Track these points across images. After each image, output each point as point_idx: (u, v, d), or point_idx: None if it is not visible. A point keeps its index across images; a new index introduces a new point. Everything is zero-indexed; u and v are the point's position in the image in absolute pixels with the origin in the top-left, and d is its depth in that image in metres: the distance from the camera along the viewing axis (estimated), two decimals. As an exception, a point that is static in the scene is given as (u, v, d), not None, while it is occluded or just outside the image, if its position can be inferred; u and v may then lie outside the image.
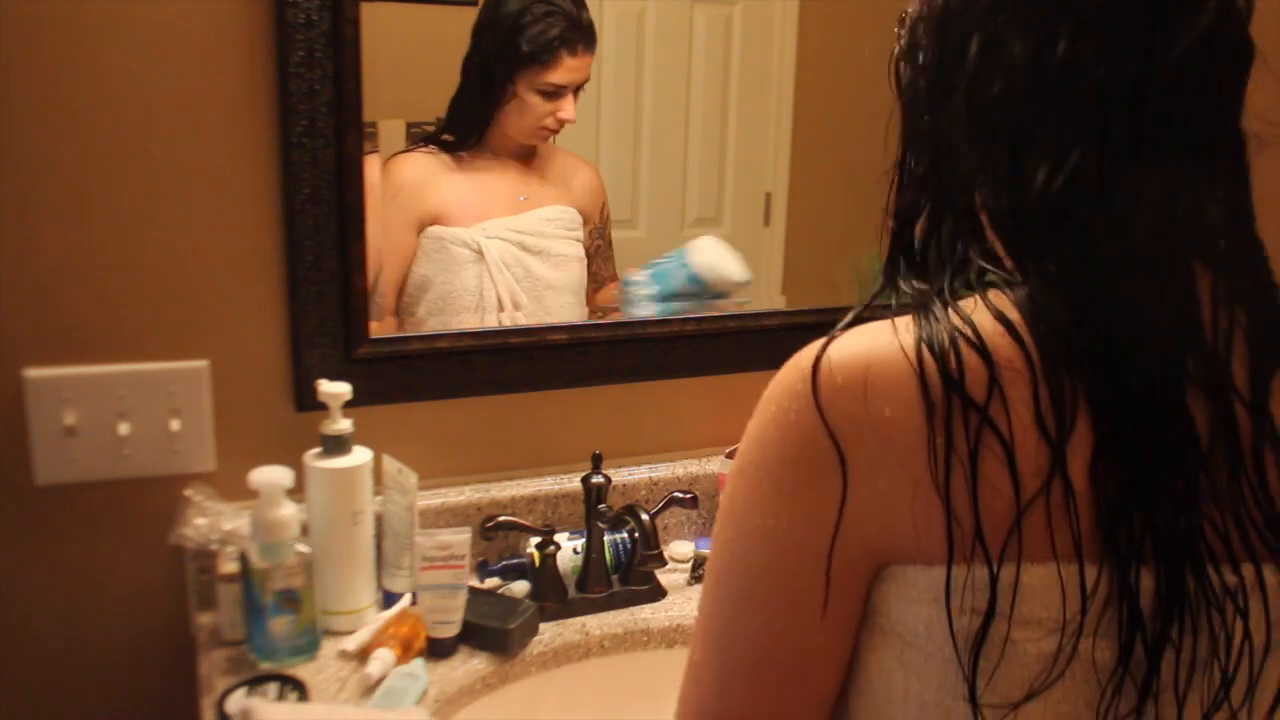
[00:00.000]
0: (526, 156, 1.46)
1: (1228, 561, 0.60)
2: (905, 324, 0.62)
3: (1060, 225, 0.61)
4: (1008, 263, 0.65)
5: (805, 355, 0.64)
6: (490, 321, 1.42)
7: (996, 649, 0.59)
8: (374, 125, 1.29)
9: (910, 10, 0.71)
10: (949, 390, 0.58)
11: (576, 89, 1.42)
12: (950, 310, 0.61)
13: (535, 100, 1.40)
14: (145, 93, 1.14)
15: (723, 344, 1.48)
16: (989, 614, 0.58)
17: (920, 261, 0.69)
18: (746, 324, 1.49)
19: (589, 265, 1.51)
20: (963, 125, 0.65)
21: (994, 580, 0.58)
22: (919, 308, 0.63)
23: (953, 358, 0.59)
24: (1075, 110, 0.61)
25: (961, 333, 0.60)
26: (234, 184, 1.19)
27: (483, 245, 1.42)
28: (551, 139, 1.46)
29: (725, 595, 0.66)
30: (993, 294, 0.63)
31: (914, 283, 0.68)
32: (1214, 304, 0.62)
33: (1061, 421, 0.58)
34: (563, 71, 1.39)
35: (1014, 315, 0.61)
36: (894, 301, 0.68)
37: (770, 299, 1.59)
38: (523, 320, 1.43)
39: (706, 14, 1.51)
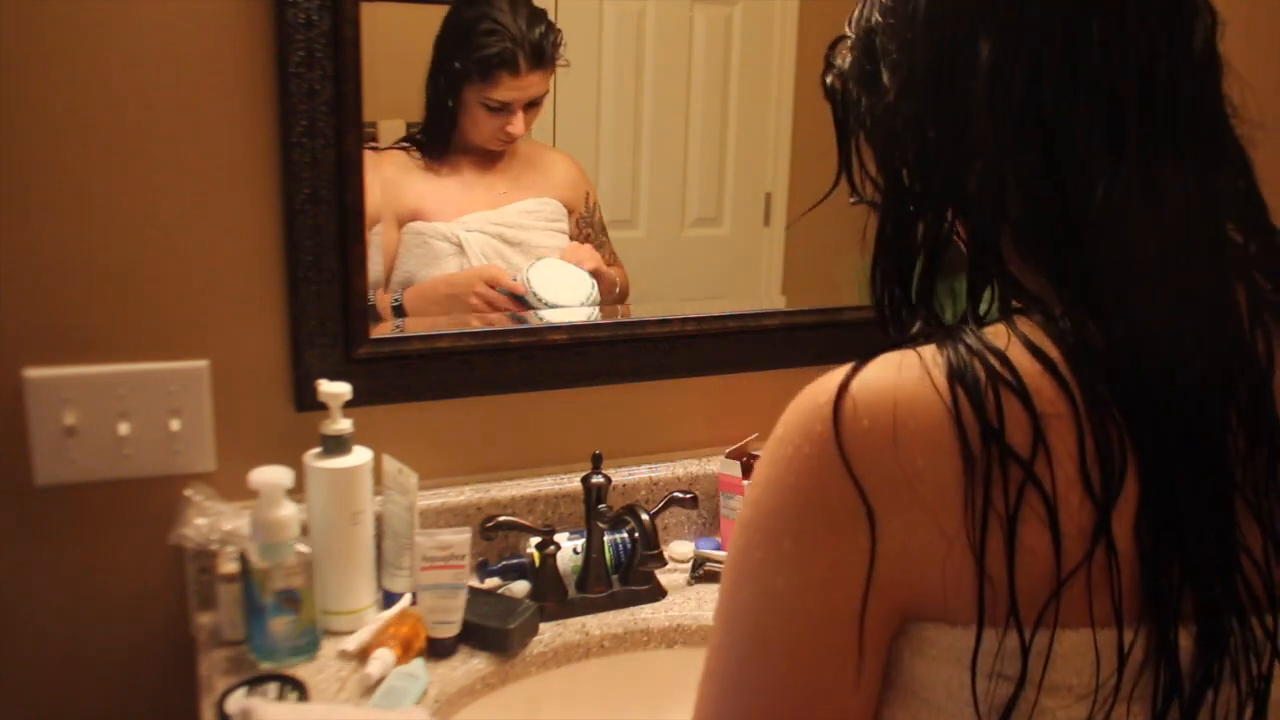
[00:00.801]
0: (502, 154, 1.46)
1: (1269, 610, 0.57)
2: (933, 356, 0.56)
3: (1108, 236, 0.56)
4: (1029, 284, 0.59)
5: (823, 390, 0.57)
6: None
7: (1023, 716, 0.55)
8: (374, 125, 1.29)
9: (854, 28, 0.65)
10: (988, 441, 0.53)
11: (530, 104, 1.41)
12: (982, 343, 0.55)
13: (482, 114, 1.40)
14: (145, 92, 1.14)
15: (723, 344, 1.48)
16: (1020, 683, 0.54)
17: (932, 289, 0.63)
18: (746, 324, 1.49)
19: None
20: (982, 134, 0.59)
21: (1025, 651, 0.54)
22: (946, 338, 0.57)
23: (991, 402, 0.53)
24: (1118, 108, 0.56)
25: (999, 374, 0.54)
26: (234, 184, 1.19)
27: (462, 239, 1.42)
28: (528, 134, 1.45)
29: (747, 658, 0.59)
30: (1022, 323, 0.57)
31: (929, 313, 0.62)
32: (1251, 318, 0.58)
33: (1109, 478, 0.54)
34: (504, 90, 1.39)
35: (1052, 351, 0.55)
36: (916, 331, 0.62)
37: (770, 299, 1.59)
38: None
39: (706, 14, 1.51)
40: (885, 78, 0.62)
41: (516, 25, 1.38)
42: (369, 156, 1.26)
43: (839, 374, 0.57)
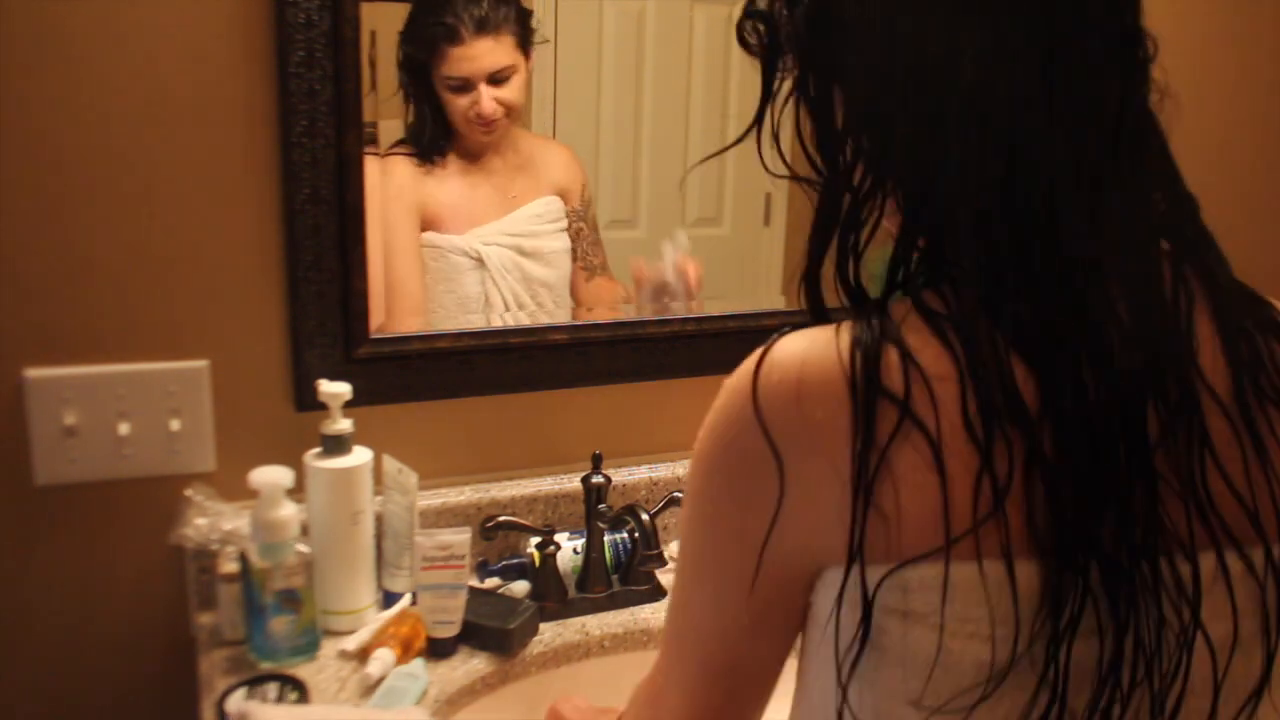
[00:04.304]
0: (501, 151, 1.44)
1: (1181, 553, 0.60)
2: (847, 328, 0.63)
3: (1050, 227, 0.61)
4: (954, 262, 0.64)
5: (754, 356, 0.65)
6: (495, 323, 1.42)
7: (931, 652, 0.59)
8: (374, 125, 1.29)
9: None
10: (870, 388, 0.59)
11: (494, 80, 1.35)
12: (884, 312, 0.62)
13: (450, 97, 1.35)
14: (145, 93, 1.14)
15: (723, 344, 1.48)
16: (865, 617, 0.59)
17: (859, 266, 0.68)
18: (746, 324, 1.49)
19: (574, 252, 1.49)
20: (952, 143, 0.62)
21: (868, 588, 0.59)
22: (862, 314, 0.63)
23: (877, 358, 0.60)
24: (1083, 134, 0.61)
25: (888, 334, 0.60)
26: (234, 184, 1.19)
27: (482, 253, 1.41)
28: (525, 125, 1.44)
29: (683, 568, 0.70)
30: (927, 294, 0.63)
31: (859, 286, 0.67)
32: (1174, 288, 0.63)
33: (989, 423, 0.58)
34: (453, 63, 1.33)
35: (946, 314, 0.61)
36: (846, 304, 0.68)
37: (770, 299, 1.59)
38: (525, 319, 1.43)
39: (706, 14, 1.51)
40: (855, 51, 0.65)
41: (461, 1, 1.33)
42: (379, 163, 1.25)
43: (770, 340, 0.65)
